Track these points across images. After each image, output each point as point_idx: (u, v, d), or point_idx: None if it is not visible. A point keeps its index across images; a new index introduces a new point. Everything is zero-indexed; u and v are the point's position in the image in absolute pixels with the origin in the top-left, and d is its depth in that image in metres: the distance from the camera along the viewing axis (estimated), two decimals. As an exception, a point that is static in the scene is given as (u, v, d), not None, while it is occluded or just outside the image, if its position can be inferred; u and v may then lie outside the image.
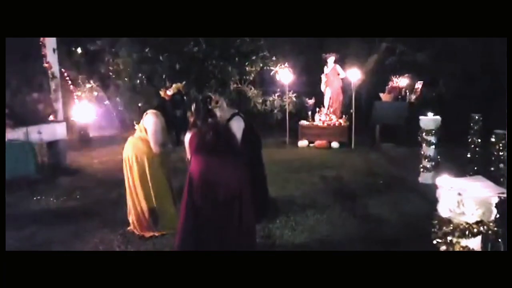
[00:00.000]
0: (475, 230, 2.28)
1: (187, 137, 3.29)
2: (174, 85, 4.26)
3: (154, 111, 4.05)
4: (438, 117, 5.92)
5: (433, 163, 5.85)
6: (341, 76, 9.21)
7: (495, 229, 2.31)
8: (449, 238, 2.33)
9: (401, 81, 8.99)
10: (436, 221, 2.40)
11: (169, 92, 4.17)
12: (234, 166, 3.24)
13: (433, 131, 5.84)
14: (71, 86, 9.32)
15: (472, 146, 5.48)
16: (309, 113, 9.02)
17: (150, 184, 4.06)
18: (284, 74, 9.15)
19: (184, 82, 3.91)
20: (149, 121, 4.01)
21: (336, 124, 8.74)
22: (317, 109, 9.04)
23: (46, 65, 6.81)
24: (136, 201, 4.13)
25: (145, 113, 4.10)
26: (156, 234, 4.09)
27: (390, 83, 9.10)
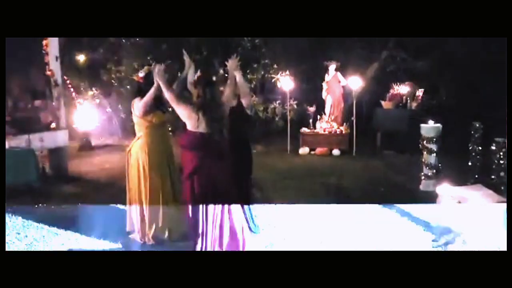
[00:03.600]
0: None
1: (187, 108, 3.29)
2: (145, 67, 4.19)
3: (136, 99, 4.02)
4: (439, 124, 5.93)
5: (434, 171, 5.85)
6: (342, 83, 9.21)
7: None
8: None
9: (402, 89, 9.00)
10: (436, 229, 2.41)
11: (141, 74, 4.10)
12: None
13: (434, 139, 5.84)
14: (73, 93, 9.34)
15: (473, 154, 5.48)
16: (310, 120, 9.02)
17: (144, 188, 4.06)
18: (285, 81, 9.16)
19: (153, 63, 3.87)
20: (137, 106, 3.97)
21: (337, 132, 8.73)
22: (318, 117, 9.04)
23: (48, 73, 6.84)
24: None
25: (131, 106, 4.06)
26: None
27: (391, 91, 9.10)
